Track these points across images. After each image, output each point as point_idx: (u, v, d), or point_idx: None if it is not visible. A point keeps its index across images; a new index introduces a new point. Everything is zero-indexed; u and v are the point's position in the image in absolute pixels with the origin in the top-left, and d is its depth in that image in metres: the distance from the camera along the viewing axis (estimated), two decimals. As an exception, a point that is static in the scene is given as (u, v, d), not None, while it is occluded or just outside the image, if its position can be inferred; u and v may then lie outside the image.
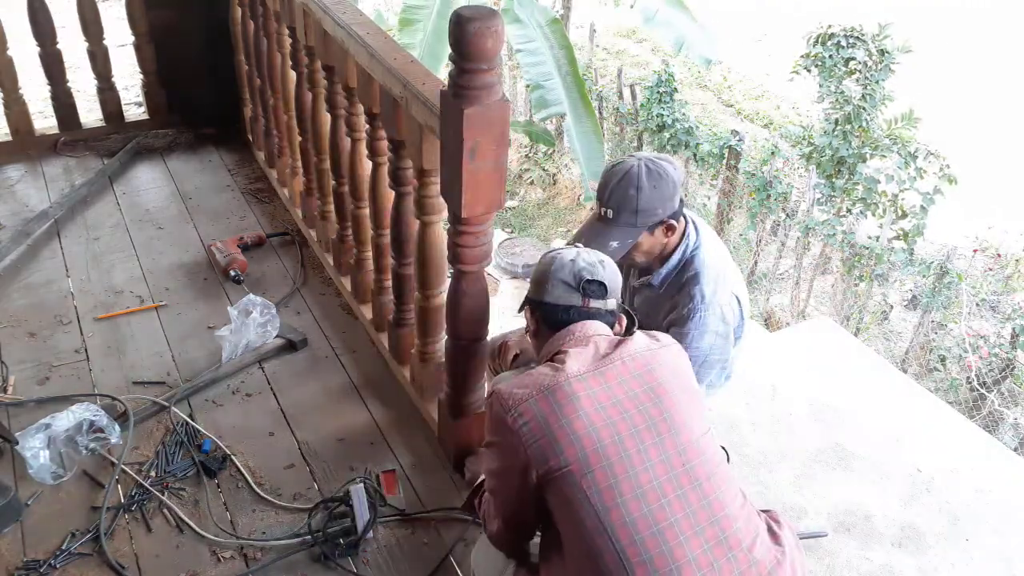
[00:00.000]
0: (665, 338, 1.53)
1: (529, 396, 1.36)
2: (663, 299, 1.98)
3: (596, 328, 1.50)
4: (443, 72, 5.23)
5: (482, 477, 1.75)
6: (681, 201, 1.93)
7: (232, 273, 2.62)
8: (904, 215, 5.70)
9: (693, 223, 1.98)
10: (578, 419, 1.33)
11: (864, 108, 5.77)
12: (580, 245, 1.60)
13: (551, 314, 1.52)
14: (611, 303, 1.52)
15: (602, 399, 1.36)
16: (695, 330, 1.90)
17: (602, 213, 1.88)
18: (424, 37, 5.31)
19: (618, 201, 1.85)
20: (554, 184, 8.84)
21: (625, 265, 1.97)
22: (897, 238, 5.74)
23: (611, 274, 1.54)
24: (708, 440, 1.42)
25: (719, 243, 2.05)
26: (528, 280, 1.64)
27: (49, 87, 3.24)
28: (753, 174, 6.40)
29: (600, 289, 1.51)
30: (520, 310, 1.64)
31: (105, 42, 3.25)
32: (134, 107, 3.70)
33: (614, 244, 1.85)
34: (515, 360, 2.28)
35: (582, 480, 1.30)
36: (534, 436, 1.33)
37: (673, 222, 1.89)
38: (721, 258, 1.99)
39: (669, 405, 1.39)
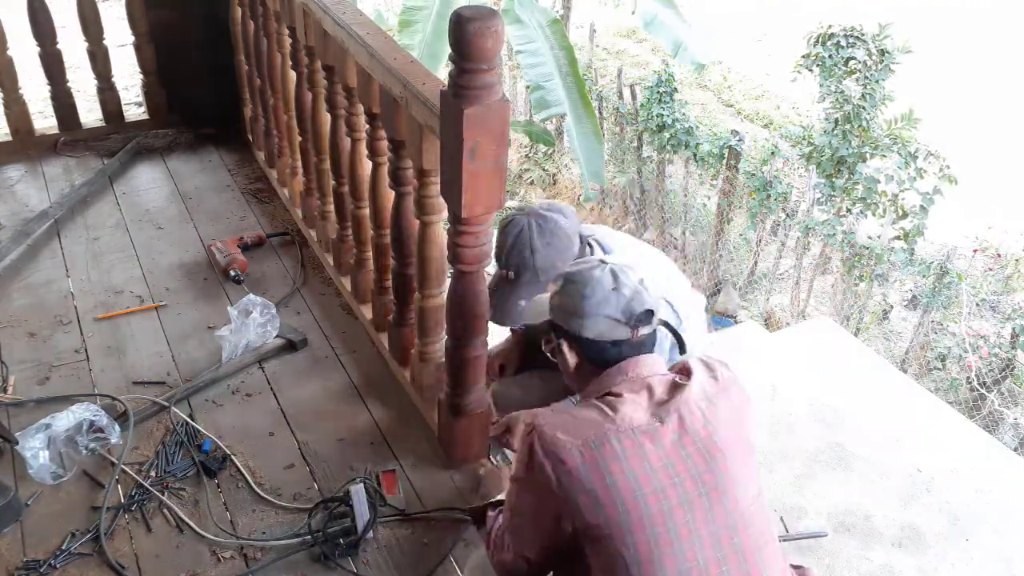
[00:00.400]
0: (724, 373, 1.40)
1: (573, 446, 1.25)
2: None
3: (651, 367, 1.37)
4: (442, 72, 5.23)
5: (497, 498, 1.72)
6: (581, 240, 1.92)
7: (232, 273, 2.62)
8: (904, 215, 5.70)
9: (590, 246, 1.94)
10: (625, 481, 1.23)
11: (864, 108, 5.77)
12: (606, 259, 1.44)
13: (597, 352, 1.38)
14: (656, 321, 1.40)
15: (653, 460, 1.25)
16: None
17: (504, 274, 1.90)
18: (423, 38, 5.31)
19: (516, 263, 1.87)
20: (554, 184, 8.84)
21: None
22: (897, 238, 5.74)
23: (654, 290, 1.41)
24: (759, 507, 1.33)
25: (629, 246, 2.01)
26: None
27: (49, 87, 3.24)
28: (753, 174, 6.40)
29: (649, 316, 1.37)
30: (544, 342, 1.48)
31: (105, 42, 3.25)
32: (134, 107, 3.70)
33: (521, 303, 1.85)
34: (503, 372, 2.26)
35: (622, 547, 1.23)
36: (575, 490, 1.24)
37: None
38: (647, 259, 1.97)
39: (723, 468, 1.28)
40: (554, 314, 1.44)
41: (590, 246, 1.93)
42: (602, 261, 1.40)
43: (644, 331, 1.37)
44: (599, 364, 1.38)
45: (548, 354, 1.50)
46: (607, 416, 1.28)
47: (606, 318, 1.35)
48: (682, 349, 1.47)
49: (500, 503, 1.68)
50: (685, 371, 1.39)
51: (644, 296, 1.37)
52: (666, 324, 1.45)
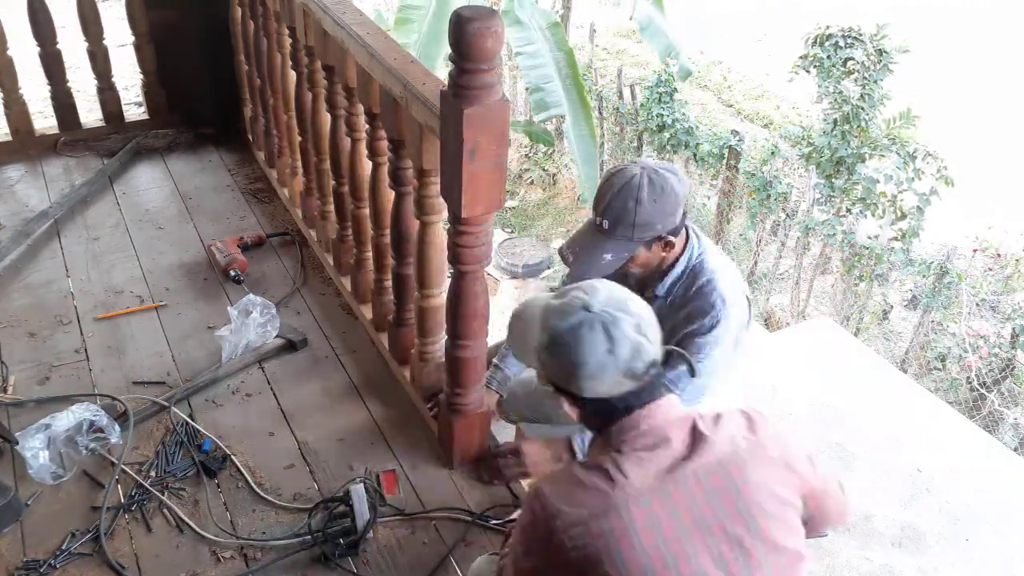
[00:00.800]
0: (765, 429, 1.25)
1: (581, 520, 1.14)
2: (671, 311, 1.86)
3: (667, 412, 1.22)
4: (438, 71, 5.23)
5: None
6: (684, 214, 1.83)
7: (232, 273, 2.62)
8: (903, 216, 5.70)
9: (694, 232, 1.90)
10: (633, 555, 1.12)
11: (863, 108, 5.77)
12: (591, 304, 1.22)
13: (599, 408, 1.24)
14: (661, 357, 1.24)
15: (667, 531, 1.13)
16: (716, 339, 1.80)
17: (597, 223, 1.77)
18: (419, 37, 5.31)
19: (615, 213, 1.73)
20: (554, 184, 8.84)
21: (619, 275, 1.81)
22: (895, 239, 5.75)
23: (652, 333, 1.23)
24: (796, 571, 1.20)
25: (718, 248, 1.99)
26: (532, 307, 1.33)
27: (49, 87, 3.24)
28: (753, 174, 6.40)
29: (655, 365, 1.22)
30: (546, 385, 1.31)
31: (105, 42, 3.25)
32: (134, 107, 3.70)
33: (607, 257, 1.76)
34: (499, 404, 2.18)
35: None
36: (581, 564, 1.14)
37: (672, 238, 1.79)
38: (727, 262, 1.93)
39: (746, 540, 1.15)
40: (544, 369, 1.28)
41: (688, 229, 1.86)
42: (587, 308, 1.21)
43: (653, 374, 1.22)
44: (606, 418, 1.24)
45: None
46: (614, 482, 1.16)
47: (604, 381, 1.20)
48: (692, 372, 1.32)
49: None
50: (715, 415, 1.25)
51: (643, 347, 1.20)
52: (681, 357, 1.30)
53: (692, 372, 1.29)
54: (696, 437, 1.20)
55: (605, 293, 1.24)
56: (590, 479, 1.18)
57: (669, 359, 1.25)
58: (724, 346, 1.82)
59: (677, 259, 1.86)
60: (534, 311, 1.32)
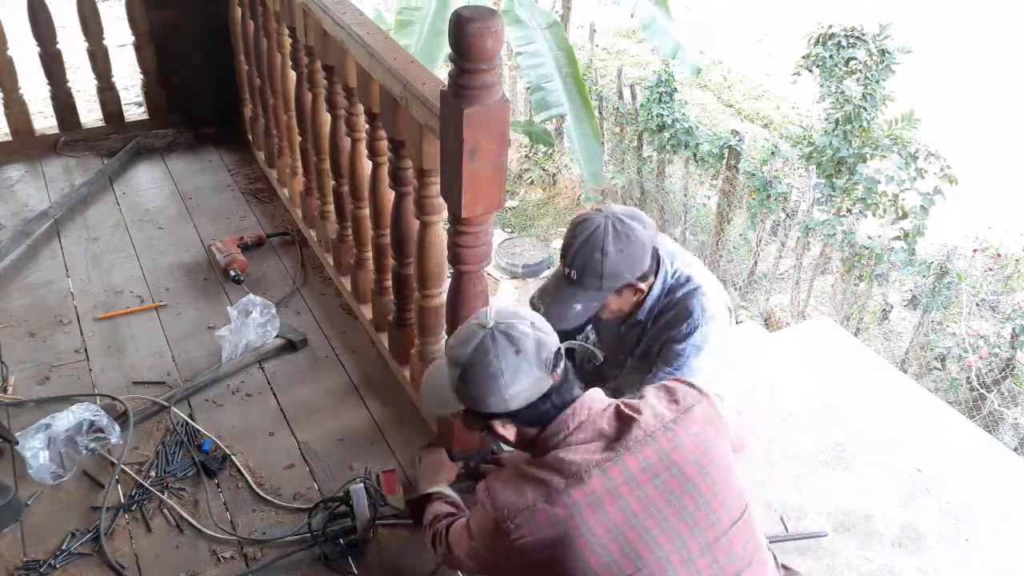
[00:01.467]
0: (686, 394, 1.35)
1: (526, 507, 1.22)
2: (655, 327, 1.87)
3: (591, 405, 1.30)
4: (438, 72, 5.22)
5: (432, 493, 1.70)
6: (654, 255, 1.81)
7: (232, 273, 2.62)
8: (904, 215, 5.70)
9: (666, 256, 1.86)
10: (584, 538, 1.20)
11: (864, 108, 5.77)
12: (484, 321, 1.31)
13: (531, 415, 1.30)
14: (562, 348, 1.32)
15: (609, 507, 1.21)
16: (695, 347, 1.80)
17: (566, 273, 1.76)
18: (420, 38, 5.31)
19: (582, 264, 1.72)
20: (554, 184, 8.84)
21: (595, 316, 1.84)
22: (897, 238, 5.74)
23: (546, 327, 1.33)
24: (745, 525, 1.29)
25: (696, 260, 1.96)
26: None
27: (49, 87, 3.24)
28: (753, 174, 6.40)
29: (560, 353, 1.30)
30: (467, 426, 1.40)
31: (105, 42, 3.26)
32: (134, 107, 3.70)
33: (577, 307, 1.75)
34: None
35: None
36: (538, 553, 1.22)
37: (641, 285, 1.79)
38: (706, 274, 1.91)
39: (688, 502, 1.23)
40: (470, 404, 1.33)
41: (659, 260, 1.84)
42: (480, 326, 1.30)
43: (560, 369, 1.29)
44: (538, 423, 1.31)
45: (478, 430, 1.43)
46: (557, 472, 1.24)
47: (525, 385, 1.27)
48: (595, 362, 1.47)
49: (439, 495, 1.70)
50: (636, 399, 1.34)
51: (545, 337, 1.29)
52: (569, 349, 1.36)
53: (595, 359, 1.42)
54: (622, 419, 1.29)
55: (493, 310, 1.32)
56: (533, 472, 1.26)
57: (572, 353, 1.36)
58: (705, 354, 1.81)
59: (651, 288, 1.84)
60: (437, 366, 1.43)
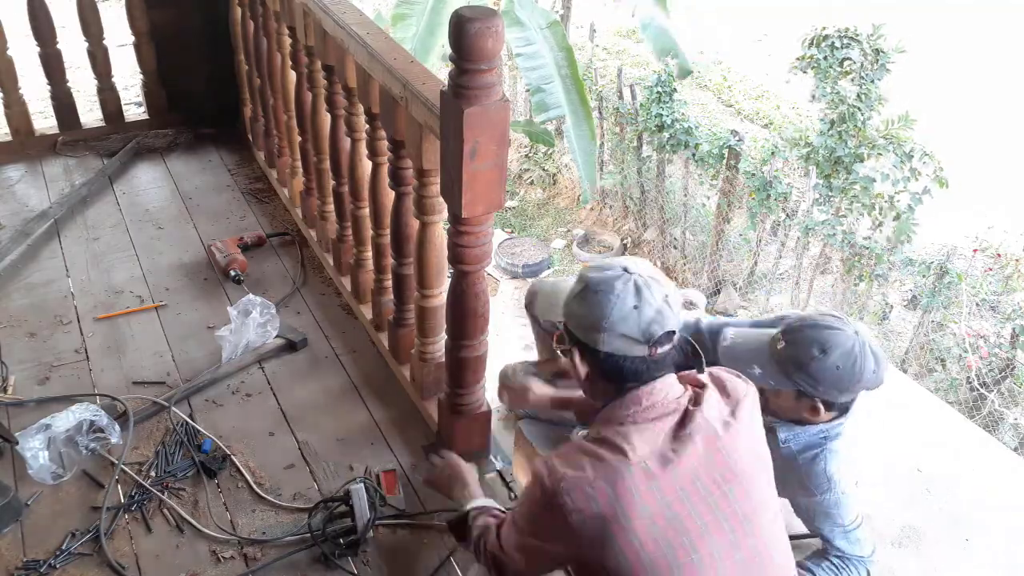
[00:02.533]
0: (736, 386, 1.36)
1: (587, 485, 1.21)
2: (784, 464, 1.77)
3: (667, 390, 1.30)
4: (431, 63, 5.23)
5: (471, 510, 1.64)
6: (849, 402, 1.76)
7: (232, 273, 2.62)
8: (899, 216, 5.71)
9: (850, 415, 1.81)
10: (640, 520, 1.19)
11: (859, 109, 5.77)
12: (630, 267, 1.31)
13: (611, 367, 1.29)
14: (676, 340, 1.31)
15: (668, 494, 1.22)
16: (836, 501, 1.78)
17: (778, 340, 1.71)
18: (416, 32, 5.32)
19: (796, 352, 1.65)
20: (554, 184, 8.84)
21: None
22: (889, 238, 5.75)
23: (676, 308, 1.30)
24: (779, 528, 1.32)
25: (852, 438, 1.88)
26: (548, 297, 1.50)
27: (49, 87, 3.24)
28: (753, 174, 6.40)
29: (669, 336, 1.28)
30: (558, 345, 1.40)
31: (105, 42, 3.25)
32: (134, 107, 3.70)
33: (758, 370, 1.70)
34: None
35: None
36: (589, 533, 1.21)
37: (821, 407, 1.72)
38: (848, 451, 1.85)
39: (742, 495, 1.26)
40: (568, 320, 1.34)
41: (841, 414, 1.79)
42: (626, 269, 1.29)
43: (663, 350, 1.28)
44: (611, 379, 1.30)
45: (559, 353, 1.44)
46: (620, 452, 1.23)
47: (623, 336, 1.26)
48: (700, 368, 1.37)
49: (481, 510, 1.64)
50: (698, 386, 1.34)
51: (667, 315, 1.27)
52: (691, 345, 1.37)
53: (696, 356, 1.35)
54: (688, 413, 1.29)
55: (645, 266, 1.32)
56: (595, 449, 1.25)
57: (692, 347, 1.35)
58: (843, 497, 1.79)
59: (814, 423, 1.78)
60: (562, 282, 1.47)
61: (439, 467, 1.82)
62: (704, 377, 1.36)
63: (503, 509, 1.66)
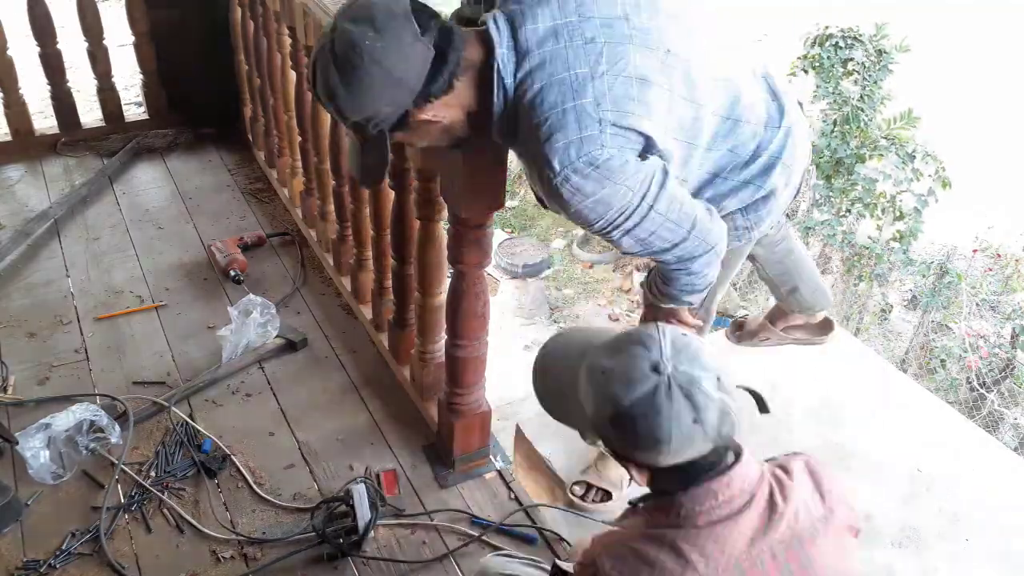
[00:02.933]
0: (832, 489, 1.11)
1: None
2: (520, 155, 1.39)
3: (743, 479, 1.06)
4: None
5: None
6: (438, 48, 1.22)
7: (232, 273, 2.62)
8: (901, 216, 5.70)
9: (502, 21, 1.26)
10: None
11: (862, 109, 5.77)
12: (660, 362, 1.01)
13: (680, 473, 1.05)
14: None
15: None
16: (574, 206, 1.33)
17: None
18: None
19: (324, 103, 1.27)
20: (554, 184, 8.83)
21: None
22: (893, 239, 5.75)
23: (731, 383, 1.05)
24: None
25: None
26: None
27: (49, 87, 3.24)
28: (753, 174, 6.40)
29: (735, 428, 1.05)
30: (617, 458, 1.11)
31: (105, 42, 3.25)
32: (134, 107, 3.70)
33: (368, 161, 1.33)
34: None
35: None
36: None
37: (429, 100, 1.25)
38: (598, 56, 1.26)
39: None
40: (608, 444, 1.09)
41: (489, 38, 1.26)
42: (656, 370, 1.01)
43: (731, 435, 1.05)
44: (682, 484, 1.06)
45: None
46: (689, 563, 1.01)
47: (692, 451, 1.02)
48: (763, 408, 1.13)
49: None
50: (783, 473, 1.11)
51: (729, 404, 1.02)
52: (754, 394, 1.13)
53: (763, 409, 1.12)
54: (772, 507, 1.06)
55: (669, 342, 1.03)
56: (658, 558, 1.03)
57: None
58: (597, 214, 1.35)
59: (485, 97, 1.30)
60: (570, 360, 1.12)
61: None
62: (796, 465, 1.13)
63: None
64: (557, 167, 1.26)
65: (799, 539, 1.05)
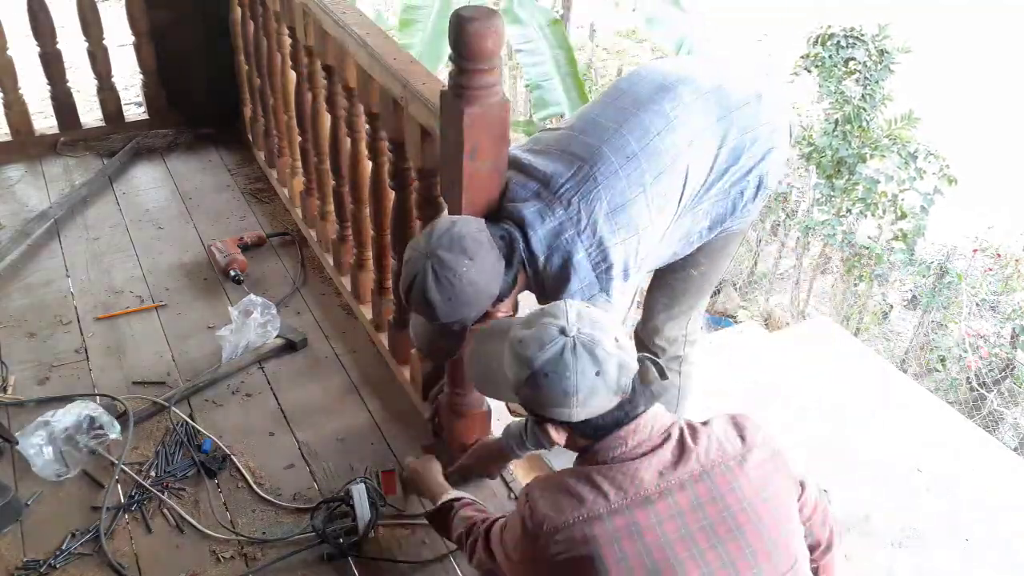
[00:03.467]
0: (751, 433, 1.24)
1: (565, 525, 1.16)
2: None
3: (652, 422, 1.22)
4: (443, 72, 5.21)
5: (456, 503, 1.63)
6: (532, 263, 1.55)
7: (232, 273, 2.62)
8: (904, 216, 5.71)
9: (521, 245, 1.54)
10: (617, 566, 1.13)
11: (864, 108, 5.78)
12: (565, 325, 1.19)
13: (589, 427, 1.22)
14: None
15: (650, 540, 1.14)
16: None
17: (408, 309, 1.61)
18: (424, 37, 5.31)
19: (423, 311, 1.51)
20: (554, 184, 8.82)
21: None
22: (896, 239, 5.75)
23: (628, 343, 1.23)
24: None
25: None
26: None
27: (49, 87, 3.24)
28: (753, 174, 6.39)
29: (634, 377, 1.21)
30: (529, 429, 1.37)
31: (105, 42, 3.25)
32: (134, 107, 3.70)
33: (443, 341, 1.61)
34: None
35: None
36: (567, 571, 1.17)
37: (499, 309, 1.59)
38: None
39: (734, 548, 1.15)
40: (527, 405, 1.26)
41: (519, 259, 1.55)
42: (562, 331, 1.18)
43: (635, 385, 1.21)
44: (595, 435, 1.23)
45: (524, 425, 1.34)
46: (601, 491, 1.17)
47: (595, 403, 1.18)
48: (662, 375, 1.26)
49: (457, 503, 1.64)
50: (700, 423, 1.26)
51: (627, 359, 1.19)
52: (649, 359, 1.26)
53: (662, 375, 1.25)
54: (683, 447, 1.21)
55: (574, 312, 1.21)
56: (577, 488, 1.19)
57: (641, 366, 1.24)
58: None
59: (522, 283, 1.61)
60: (495, 344, 1.31)
61: (409, 470, 1.84)
62: (721, 416, 1.27)
63: (476, 500, 1.68)
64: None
65: (709, 473, 1.19)
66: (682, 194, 1.63)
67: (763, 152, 1.68)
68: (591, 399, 1.18)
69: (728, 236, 1.81)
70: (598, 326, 1.20)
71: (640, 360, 1.24)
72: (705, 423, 1.26)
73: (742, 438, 1.24)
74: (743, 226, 1.80)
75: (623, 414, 1.21)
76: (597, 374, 1.17)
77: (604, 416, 1.21)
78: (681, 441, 1.22)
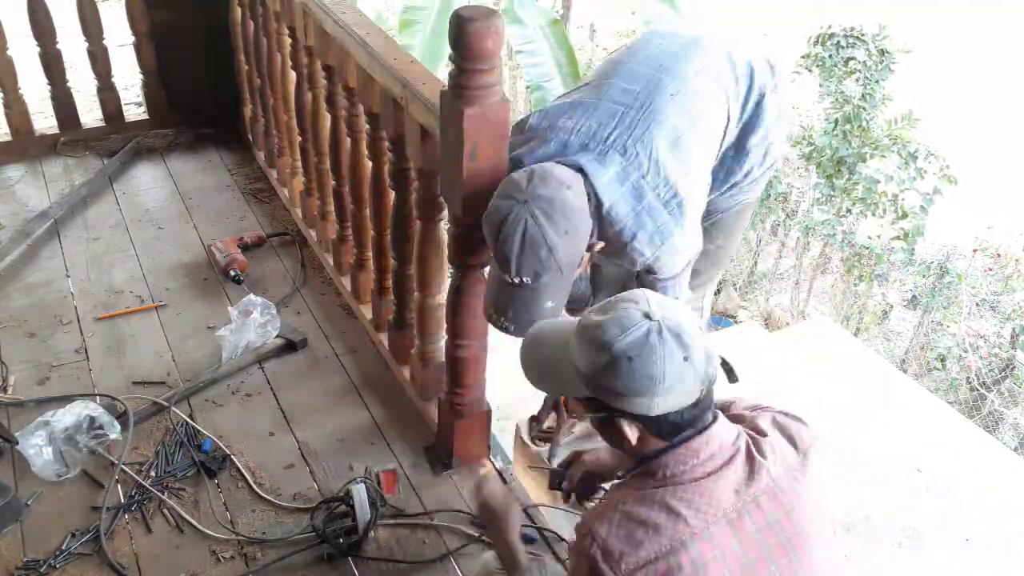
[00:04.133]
0: (804, 435, 1.21)
1: (648, 561, 1.08)
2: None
3: (723, 434, 1.15)
4: (443, 72, 5.22)
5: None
6: (597, 210, 1.55)
7: (232, 273, 2.62)
8: (904, 215, 5.70)
9: (592, 186, 1.54)
10: None
11: (864, 108, 5.77)
12: (650, 311, 1.12)
13: (667, 425, 1.14)
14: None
15: (731, 563, 1.09)
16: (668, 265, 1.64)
17: (519, 282, 1.49)
18: (424, 37, 5.31)
19: (533, 269, 1.46)
20: (554, 184, 8.82)
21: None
22: (897, 238, 5.75)
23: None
24: None
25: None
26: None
27: (49, 87, 3.24)
28: (753, 173, 6.39)
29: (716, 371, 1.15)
30: (588, 414, 1.20)
31: (105, 42, 3.25)
32: (134, 107, 3.70)
33: (549, 304, 1.52)
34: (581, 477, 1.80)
35: None
36: None
37: (595, 241, 1.57)
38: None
39: (806, 560, 1.13)
40: (601, 394, 1.14)
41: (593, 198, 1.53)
42: (647, 316, 1.10)
43: (715, 377, 1.14)
44: (666, 435, 1.15)
45: (592, 424, 1.25)
46: (680, 517, 1.09)
47: (682, 392, 1.10)
48: (732, 378, 1.22)
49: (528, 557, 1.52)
50: (756, 432, 1.20)
51: (711, 348, 1.12)
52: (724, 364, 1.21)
53: (733, 378, 1.21)
54: (751, 460, 1.15)
55: (655, 299, 1.14)
56: (649, 516, 1.11)
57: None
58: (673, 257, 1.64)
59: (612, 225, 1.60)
60: (555, 336, 1.22)
61: (492, 495, 1.61)
62: (765, 422, 1.22)
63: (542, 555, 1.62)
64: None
65: (780, 487, 1.14)
66: (723, 135, 1.72)
67: (772, 120, 1.78)
68: (676, 386, 1.09)
69: (740, 210, 1.94)
70: (681, 313, 1.13)
71: (720, 360, 1.19)
72: (766, 434, 1.20)
73: (793, 444, 1.20)
74: (752, 198, 1.92)
75: (699, 412, 1.14)
76: (685, 359, 1.08)
77: (683, 412, 1.12)
78: (749, 454, 1.16)
